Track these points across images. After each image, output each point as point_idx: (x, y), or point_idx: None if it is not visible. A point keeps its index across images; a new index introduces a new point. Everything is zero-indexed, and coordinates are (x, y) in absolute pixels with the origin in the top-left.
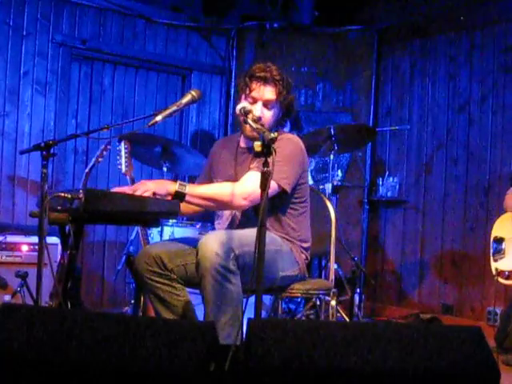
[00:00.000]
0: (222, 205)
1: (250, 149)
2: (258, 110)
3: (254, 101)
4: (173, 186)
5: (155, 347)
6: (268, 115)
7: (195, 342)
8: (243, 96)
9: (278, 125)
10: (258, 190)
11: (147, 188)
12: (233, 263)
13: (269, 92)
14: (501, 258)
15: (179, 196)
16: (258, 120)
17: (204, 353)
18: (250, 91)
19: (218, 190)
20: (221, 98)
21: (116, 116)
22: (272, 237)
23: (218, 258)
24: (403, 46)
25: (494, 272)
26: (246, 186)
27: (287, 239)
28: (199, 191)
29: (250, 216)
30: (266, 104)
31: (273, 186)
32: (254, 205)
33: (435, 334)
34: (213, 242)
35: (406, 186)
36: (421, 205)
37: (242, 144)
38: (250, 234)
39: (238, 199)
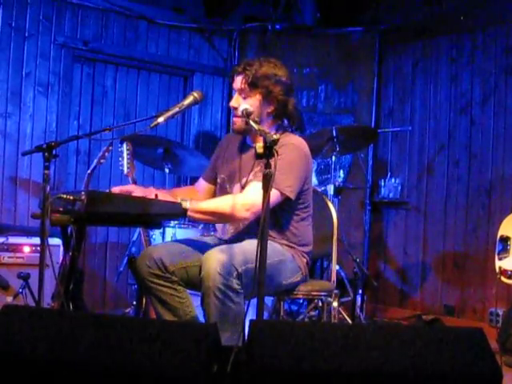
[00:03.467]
0: (225, 218)
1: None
2: (233, 101)
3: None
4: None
5: (157, 349)
6: (243, 105)
7: (197, 344)
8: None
9: (276, 123)
10: (261, 201)
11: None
12: (236, 282)
13: (239, 81)
14: (505, 257)
15: None
16: (234, 109)
17: (206, 354)
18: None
19: (220, 203)
20: (223, 100)
21: (118, 117)
22: (273, 246)
23: (221, 277)
24: (405, 48)
25: (497, 270)
26: (248, 198)
27: (288, 246)
28: (201, 207)
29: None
30: (240, 93)
31: (276, 194)
32: (257, 216)
33: (437, 335)
34: (216, 261)
35: (407, 187)
36: (423, 206)
37: (249, 142)
38: (254, 248)
39: (241, 211)
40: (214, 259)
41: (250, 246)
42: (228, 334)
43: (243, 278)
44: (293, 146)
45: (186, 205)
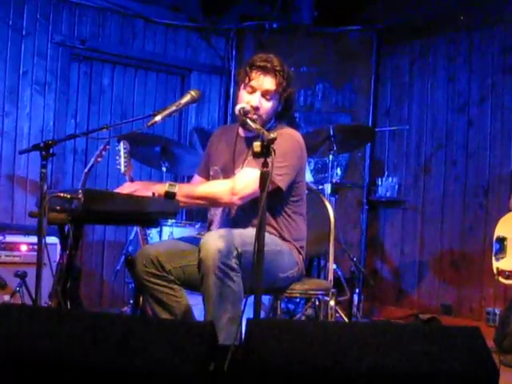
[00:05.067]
0: (213, 202)
1: (249, 138)
2: (255, 99)
3: (253, 90)
4: (162, 187)
5: (154, 347)
6: (266, 106)
7: (194, 343)
8: (242, 85)
9: (277, 119)
10: (250, 186)
11: (132, 190)
12: (235, 261)
13: (268, 82)
14: (502, 258)
15: (169, 196)
16: (256, 109)
17: (203, 353)
18: (250, 80)
19: (208, 188)
20: (220, 98)
21: (115, 116)
22: (273, 238)
23: (221, 255)
24: (402, 47)
25: (495, 271)
26: (237, 183)
27: (283, 239)
28: (189, 191)
29: (247, 210)
30: (265, 94)
31: None
32: (244, 201)
33: (434, 334)
34: (215, 240)
35: (404, 187)
36: (420, 205)
37: (242, 133)
38: (252, 233)
39: (228, 195)
40: (214, 238)
41: (250, 231)
42: (228, 315)
43: (242, 259)
44: (287, 136)
45: (174, 189)
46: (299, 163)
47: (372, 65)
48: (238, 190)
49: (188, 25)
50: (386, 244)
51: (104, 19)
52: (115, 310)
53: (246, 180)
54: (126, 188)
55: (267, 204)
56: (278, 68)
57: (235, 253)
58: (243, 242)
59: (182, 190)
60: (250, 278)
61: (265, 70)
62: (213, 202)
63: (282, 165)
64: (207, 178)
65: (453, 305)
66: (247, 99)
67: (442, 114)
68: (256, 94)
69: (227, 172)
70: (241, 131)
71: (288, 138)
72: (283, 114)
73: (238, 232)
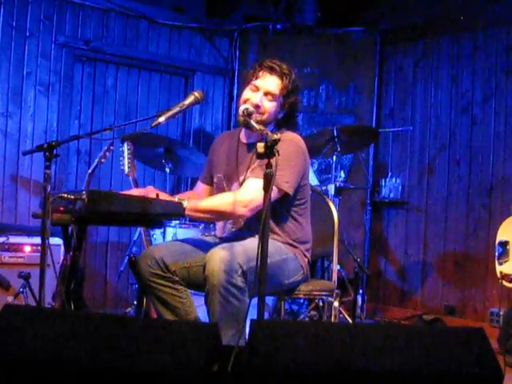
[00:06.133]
0: (223, 216)
1: (251, 145)
2: (257, 98)
3: (257, 89)
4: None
5: (158, 348)
6: (267, 106)
7: (198, 343)
8: (247, 84)
9: (278, 125)
10: (258, 198)
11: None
12: (241, 280)
13: (273, 83)
14: (505, 262)
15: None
16: (256, 107)
17: (207, 354)
18: (256, 79)
19: (217, 201)
20: (223, 99)
21: (119, 117)
22: (277, 245)
23: (226, 275)
24: (406, 47)
25: (498, 275)
26: (246, 194)
27: (290, 244)
28: (198, 205)
29: (251, 217)
30: (267, 94)
31: (273, 190)
32: (254, 213)
33: (438, 335)
34: (220, 259)
35: (408, 187)
36: (423, 206)
37: (244, 139)
38: (256, 246)
39: (238, 208)
40: (218, 257)
41: (252, 243)
42: (232, 332)
43: (248, 276)
44: (290, 142)
45: (184, 204)
46: (303, 167)
47: (375, 65)
48: (247, 203)
49: (192, 26)
50: (389, 245)
51: (108, 20)
52: (119, 311)
53: (253, 192)
54: (146, 192)
55: (272, 210)
56: (285, 72)
57: (240, 271)
58: (248, 258)
59: (190, 205)
60: (255, 285)
61: (272, 71)
62: (223, 215)
63: (287, 171)
64: (211, 184)
65: (456, 305)
66: (249, 96)
67: (446, 114)
68: (259, 92)
69: (231, 179)
70: (242, 137)
71: (290, 143)
72: (285, 122)
73: (242, 248)
